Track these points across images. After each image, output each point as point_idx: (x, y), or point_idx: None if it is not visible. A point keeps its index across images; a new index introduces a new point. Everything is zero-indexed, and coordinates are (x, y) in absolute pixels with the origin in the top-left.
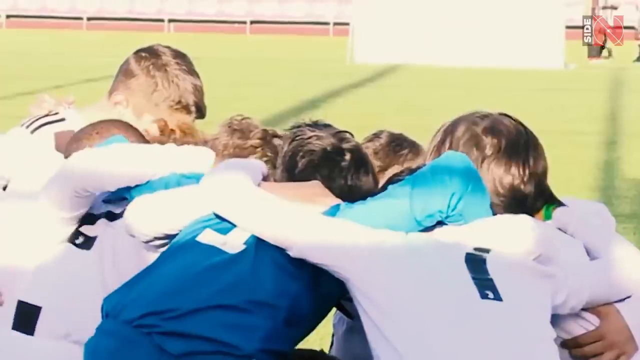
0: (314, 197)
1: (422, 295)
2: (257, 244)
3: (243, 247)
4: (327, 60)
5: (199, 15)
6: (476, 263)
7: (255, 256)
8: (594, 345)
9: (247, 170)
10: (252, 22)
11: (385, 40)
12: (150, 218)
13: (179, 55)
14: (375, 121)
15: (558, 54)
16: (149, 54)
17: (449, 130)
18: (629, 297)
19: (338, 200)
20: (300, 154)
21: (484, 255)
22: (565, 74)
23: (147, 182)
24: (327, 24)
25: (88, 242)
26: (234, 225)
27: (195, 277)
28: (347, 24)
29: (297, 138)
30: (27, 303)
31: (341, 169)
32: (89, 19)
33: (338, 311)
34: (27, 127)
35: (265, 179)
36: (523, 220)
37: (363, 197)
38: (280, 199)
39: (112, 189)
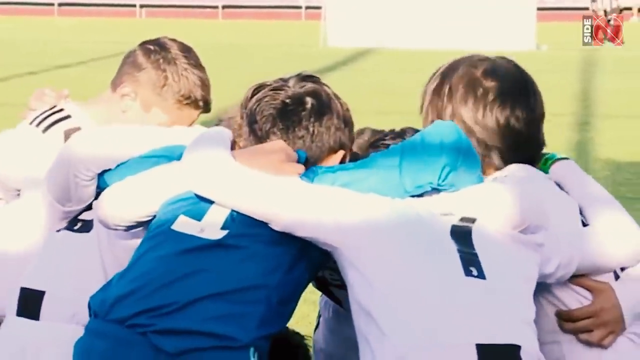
0: (281, 164)
1: (408, 271)
2: (238, 226)
3: (223, 232)
4: (300, 44)
5: (170, 1)
6: (462, 235)
7: (238, 239)
8: (586, 322)
9: (223, 145)
10: (224, 7)
11: (357, 23)
12: (123, 209)
13: (186, 49)
14: (349, 105)
15: (530, 36)
16: (158, 47)
17: (447, 74)
18: (620, 270)
19: (301, 167)
20: (260, 107)
21: (470, 225)
22: (537, 55)
23: (117, 167)
24: (299, 7)
25: (86, 226)
26: (206, 208)
27: (180, 269)
28: (319, 7)
29: (259, 90)
30: (30, 289)
31: (301, 119)
32: (60, 4)
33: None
34: (37, 125)
35: (232, 145)
36: (511, 190)
37: (332, 148)
38: (260, 173)
39: (112, 166)
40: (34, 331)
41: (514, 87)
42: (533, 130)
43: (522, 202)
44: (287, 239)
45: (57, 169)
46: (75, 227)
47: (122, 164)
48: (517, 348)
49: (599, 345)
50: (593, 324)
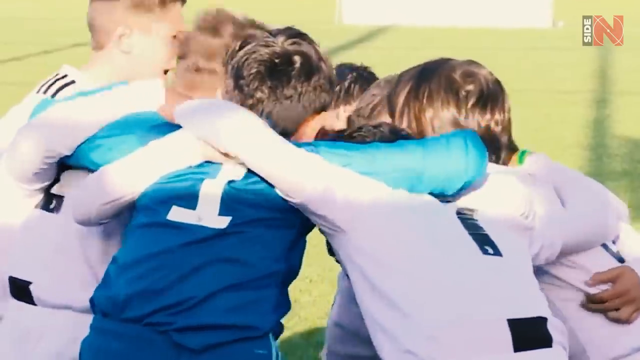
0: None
1: (427, 251)
2: (238, 212)
3: (223, 219)
4: (314, 21)
5: None
6: (467, 219)
7: (242, 226)
8: (613, 302)
9: (242, 110)
10: None
11: (373, 0)
12: (105, 203)
13: None
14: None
15: (546, 12)
16: None
17: (422, 77)
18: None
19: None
20: (247, 62)
21: (471, 213)
22: (553, 32)
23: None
24: None
25: (60, 203)
26: (196, 194)
27: (190, 262)
28: None
29: (247, 44)
30: (17, 278)
31: (290, 78)
32: None
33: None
34: (45, 92)
35: None
36: (511, 180)
37: (317, 109)
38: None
39: (81, 141)
40: (34, 316)
41: (492, 91)
42: (507, 132)
43: (521, 189)
44: (287, 221)
45: (22, 150)
46: (51, 206)
47: (91, 144)
48: (544, 320)
49: (619, 320)
50: (620, 302)
